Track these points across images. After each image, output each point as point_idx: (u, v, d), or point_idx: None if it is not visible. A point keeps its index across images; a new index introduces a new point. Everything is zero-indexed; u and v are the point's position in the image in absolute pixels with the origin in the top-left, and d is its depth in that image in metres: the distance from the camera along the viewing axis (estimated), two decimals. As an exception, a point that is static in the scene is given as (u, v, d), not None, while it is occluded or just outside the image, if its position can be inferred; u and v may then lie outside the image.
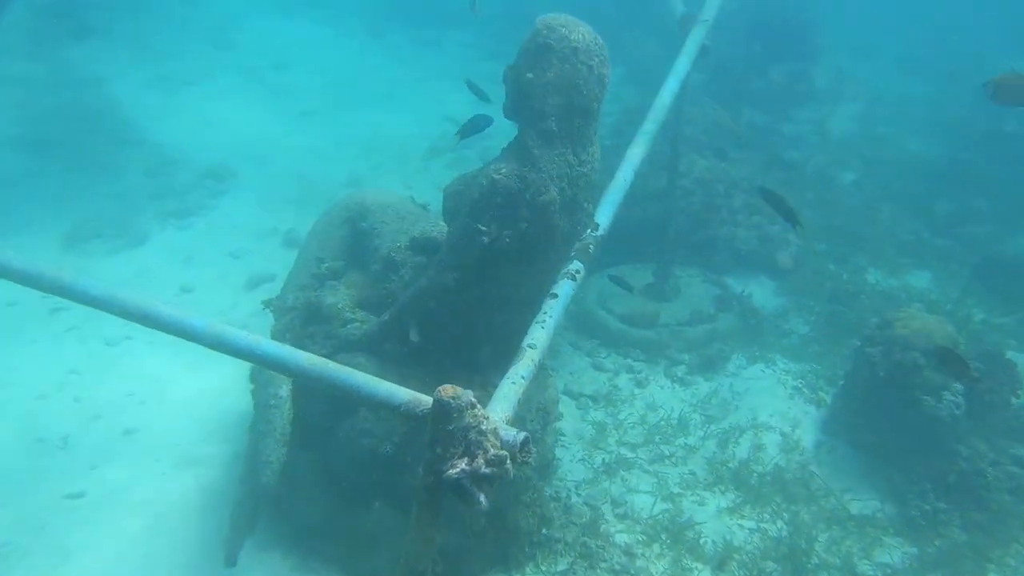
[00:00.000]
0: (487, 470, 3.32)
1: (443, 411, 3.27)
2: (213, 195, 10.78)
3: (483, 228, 4.69)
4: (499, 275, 4.91)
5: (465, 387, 5.39)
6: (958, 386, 5.94)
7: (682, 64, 6.64)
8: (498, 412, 3.69)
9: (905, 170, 11.68)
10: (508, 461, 3.34)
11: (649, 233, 8.27)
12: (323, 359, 3.64)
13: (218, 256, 9.49)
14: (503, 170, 4.68)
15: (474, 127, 5.58)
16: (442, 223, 5.95)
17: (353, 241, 6.23)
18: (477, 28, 16.67)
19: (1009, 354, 6.77)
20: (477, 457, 3.33)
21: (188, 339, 3.72)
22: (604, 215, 5.08)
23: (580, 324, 8.19)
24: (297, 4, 17.36)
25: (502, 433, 3.40)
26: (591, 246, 4.84)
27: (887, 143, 12.67)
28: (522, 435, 3.41)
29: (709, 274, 8.88)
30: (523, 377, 3.97)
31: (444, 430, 3.29)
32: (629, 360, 7.80)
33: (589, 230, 4.93)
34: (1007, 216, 10.33)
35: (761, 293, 8.76)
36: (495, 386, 5.46)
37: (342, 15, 17.29)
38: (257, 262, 9.33)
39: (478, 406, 3.39)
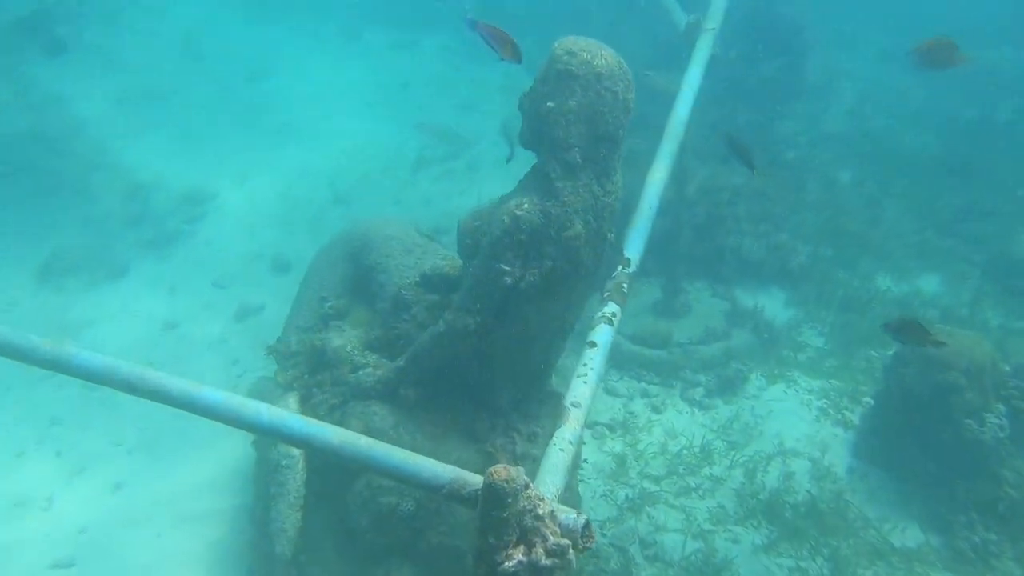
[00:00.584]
0: (547, 561, 3.00)
1: (496, 497, 2.93)
2: (192, 219, 10.25)
3: (507, 268, 4.34)
4: (522, 315, 4.57)
5: (487, 431, 5.09)
6: (1001, 407, 5.69)
7: (694, 75, 6.36)
8: (549, 486, 3.35)
9: (903, 166, 11.45)
10: (570, 550, 3.01)
11: (654, 247, 7.92)
12: (355, 435, 3.29)
13: (202, 286, 9.00)
14: (525, 205, 4.33)
15: None
16: (452, 255, 5.58)
17: (356, 277, 5.84)
18: (454, 30, 16.20)
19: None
20: (535, 546, 3.00)
21: (202, 416, 3.34)
22: (634, 248, 4.79)
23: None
24: (268, 10, 16.75)
25: (561, 517, 3.07)
26: (624, 285, 4.52)
27: (883, 138, 12.44)
28: (582, 519, 3.08)
29: (717, 287, 8.59)
30: (571, 442, 3.62)
31: (498, 517, 2.95)
32: (643, 383, 7.49)
33: (620, 267, 4.61)
34: (1011, 211, 10.12)
35: (771, 305, 8.46)
36: (517, 431, 5.20)
37: (316, 19, 16.72)
38: (244, 290, 8.87)
39: (532, 486, 3.05)
